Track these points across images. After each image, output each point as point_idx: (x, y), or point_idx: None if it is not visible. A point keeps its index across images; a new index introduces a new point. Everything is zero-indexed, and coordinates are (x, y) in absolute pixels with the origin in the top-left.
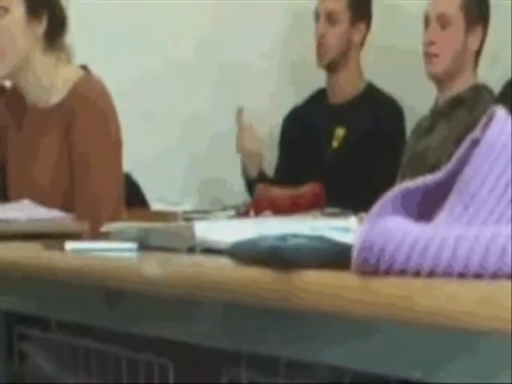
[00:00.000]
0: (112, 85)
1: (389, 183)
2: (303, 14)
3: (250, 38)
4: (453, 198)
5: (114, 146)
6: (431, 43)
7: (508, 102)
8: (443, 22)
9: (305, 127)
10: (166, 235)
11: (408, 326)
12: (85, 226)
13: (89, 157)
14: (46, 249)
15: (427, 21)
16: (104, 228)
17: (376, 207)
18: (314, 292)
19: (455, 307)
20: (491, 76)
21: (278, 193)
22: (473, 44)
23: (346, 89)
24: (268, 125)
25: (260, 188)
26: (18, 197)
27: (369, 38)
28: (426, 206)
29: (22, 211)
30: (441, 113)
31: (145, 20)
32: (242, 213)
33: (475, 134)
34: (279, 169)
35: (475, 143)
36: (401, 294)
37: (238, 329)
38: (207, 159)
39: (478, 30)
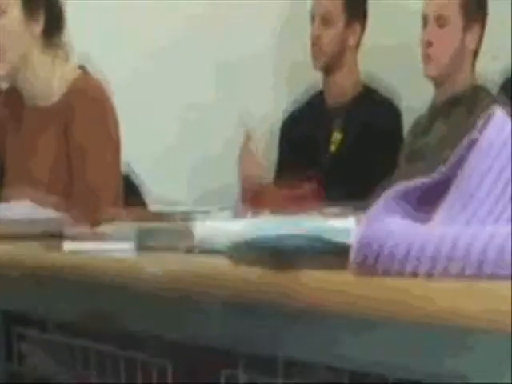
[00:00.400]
0: (111, 80)
1: (387, 183)
2: (299, 14)
3: (246, 38)
4: (451, 198)
5: (113, 141)
6: (429, 44)
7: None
8: (441, 20)
9: (303, 131)
10: (165, 235)
11: (407, 324)
12: (83, 227)
13: (87, 152)
14: (45, 249)
15: (425, 20)
16: (102, 228)
17: (374, 207)
18: (313, 292)
19: (453, 306)
20: (491, 74)
21: (277, 192)
22: (471, 43)
23: (342, 90)
24: (267, 125)
25: (258, 188)
26: (17, 194)
27: (365, 37)
28: (424, 205)
29: (21, 211)
30: (439, 111)
31: (141, 17)
32: (240, 213)
33: (473, 133)
34: (279, 170)
35: (473, 143)
36: (399, 292)
37: (236, 328)
38: (208, 159)
39: (476, 29)
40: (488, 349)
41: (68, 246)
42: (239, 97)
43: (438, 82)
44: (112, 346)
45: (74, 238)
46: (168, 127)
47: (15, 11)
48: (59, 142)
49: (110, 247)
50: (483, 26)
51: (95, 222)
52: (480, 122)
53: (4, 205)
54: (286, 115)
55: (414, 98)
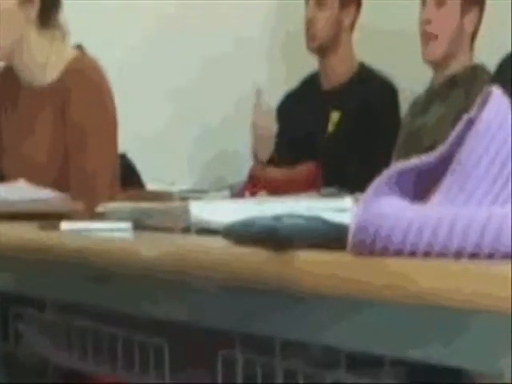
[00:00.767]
0: (108, 62)
1: (384, 163)
2: None
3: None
4: (448, 178)
5: (110, 122)
6: (428, 21)
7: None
8: (439, 1)
9: (299, 112)
10: (161, 215)
11: (404, 305)
12: (80, 206)
13: (84, 132)
14: (42, 229)
15: (423, 0)
16: (99, 208)
17: (371, 187)
18: (310, 272)
19: (452, 287)
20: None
21: (274, 173)
22: (469, 25)
23: (338, 72)
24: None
25: (255, 168)
26: (13, 175)
27: (360, 20)
28: (421, 186)
29: (17, 192)
30: (436, 93)
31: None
32: (237, 193)
33: (471, 113)
34: (276, 151)
35: (471, 123)
36: (397, 273)
37: (233, 309)
38: (204, 139)
39: (475, 11)
40: (486, 328)
41: (65, 225)
42: (232, 79)
43: (436, 64)
44: (109, 326)
45: (71, 218)
46: (165, 105)
47: None
48: (56, 122)
49: (107, 227)
50: (482, 9)
51: (92, 202)
52: (478, 103)
53: (0, 185)
54: (283, 97)
55: (411, 83)
